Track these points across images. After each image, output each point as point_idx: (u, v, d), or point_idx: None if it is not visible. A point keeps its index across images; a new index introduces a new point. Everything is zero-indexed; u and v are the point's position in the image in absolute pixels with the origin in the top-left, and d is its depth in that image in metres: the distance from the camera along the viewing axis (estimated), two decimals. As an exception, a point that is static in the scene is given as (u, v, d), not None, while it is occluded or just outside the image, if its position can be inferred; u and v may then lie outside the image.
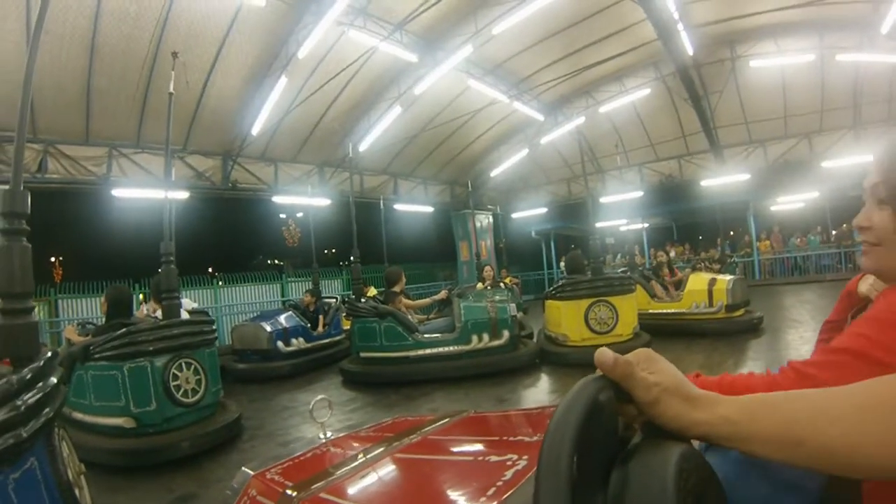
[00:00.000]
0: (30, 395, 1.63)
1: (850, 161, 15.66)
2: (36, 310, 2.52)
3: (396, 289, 7.80)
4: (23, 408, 1.54)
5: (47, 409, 1.67)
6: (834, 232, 18.47)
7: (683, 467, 0.53)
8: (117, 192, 11.74)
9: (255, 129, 12.48)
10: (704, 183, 18.03)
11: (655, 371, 0.65)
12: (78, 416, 4.65)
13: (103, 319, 5.35)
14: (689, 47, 12.38)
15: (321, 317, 9.68)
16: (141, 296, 11.47)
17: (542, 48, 14.01)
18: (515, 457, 1.19)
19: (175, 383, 4.67)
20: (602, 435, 0.57)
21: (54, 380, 1.84)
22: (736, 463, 0.86)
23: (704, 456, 0.82)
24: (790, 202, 18.86)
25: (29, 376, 1.69)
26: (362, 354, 7.46)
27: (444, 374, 6.92)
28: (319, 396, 1.77)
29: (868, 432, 0.51)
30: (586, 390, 0.57)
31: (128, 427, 4.46)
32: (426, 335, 7.28)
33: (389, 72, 13.51)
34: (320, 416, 1.74)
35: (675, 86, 15.32)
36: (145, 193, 11.77)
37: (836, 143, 16.55)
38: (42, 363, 1.81)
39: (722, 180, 17.49)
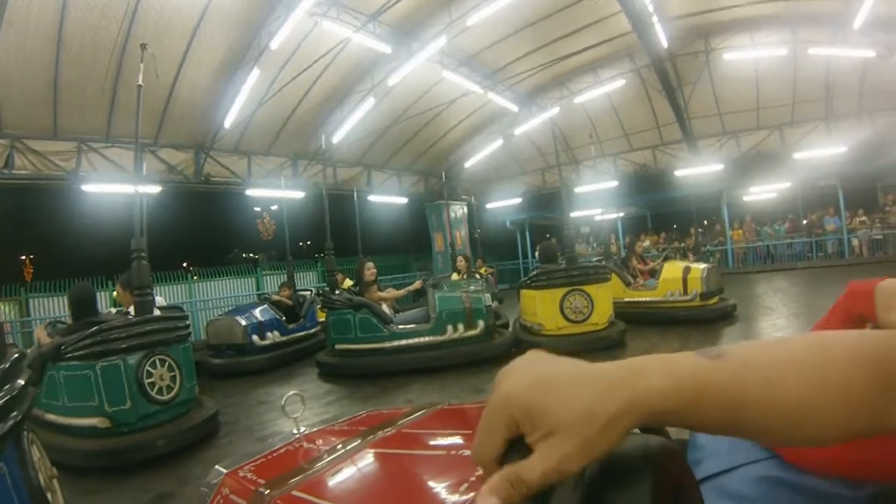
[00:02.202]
0: (-4, 397, 1.60)
1: (821, 152, 16.06)
2: (5, 309, 2.47)
3: (368, 280, 7.76)
4: (-11, 411, 1.52)
5: (15, 413, 1.64)
6: (805, 221, 18.82)
7: (659, 462, 0.50)
8: (87, 188, 11.53)
9: (228, 122, 12.34)
10: (678, 173, 18.24)
11: (547, 428, 0.44)
12: (51, 417, 4.57)
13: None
14: (663, 39, 12.49)
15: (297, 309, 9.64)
16: (114, 293, 11.31)
17: (516, 39, 14.02)
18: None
19: (149, 381, 4.60)
20: None
21: (22, 382, 1.80)
22: (758, 482, 0.83)
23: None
24: (763, 192, 19.19)
25: (-5, 378, 1.66)
26: (337, 346, 7.44)
27: (420, 364, 6.92)
28: (291, 392, 1.77)
29: (816, 414, 0.46)
30: None
31: (102, 427, 4.39)
32: (401, 326, 7.27)
33: (363, 63, 13.43)
34: (293, 412, 1.73)
35: (650, 77, 15.47)
36: (116, 188, 11.53)
37: (808, 135, 16.89)
38: (8, 365, 1.78)
39: (696, 170, 17.73)
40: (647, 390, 0.45)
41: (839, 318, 0.99)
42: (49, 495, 1.76)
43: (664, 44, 12.69)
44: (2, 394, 1.64)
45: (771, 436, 0.48)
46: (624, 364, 0.48)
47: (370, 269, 7.85)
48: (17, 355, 1.96)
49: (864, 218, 16.90)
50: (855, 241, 16.90)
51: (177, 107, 11.90)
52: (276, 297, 9.66)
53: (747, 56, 14.52)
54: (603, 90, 16.32)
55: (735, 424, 0.47)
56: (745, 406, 0.46)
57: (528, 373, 0.48)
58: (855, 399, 0.46)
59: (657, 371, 0.46)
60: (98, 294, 6.40)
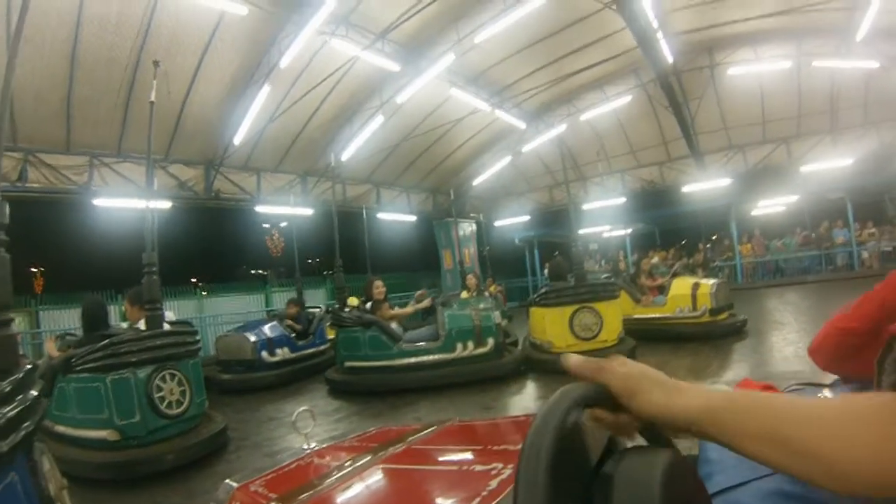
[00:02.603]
0: (9, 408, 1.61)
1: (827, 165, 15.98)
2: (15, 321, 2.48)
3: (376, 298, 7.76)
4: (1, 422, 1.52)
5: (27, 423, 1.65)
6: (813, 235, 18.71)
7: (670, 475, 0.51)
8: (98, 202, 11.59)
9: (238, 139, 12.41)
10: (686, 188, 18.18)
11: (627, 364, 0.64)
12: (61, 429, 4.59)
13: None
14: (668, 55, 12.50)
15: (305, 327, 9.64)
16: (124, 306, 11.35)
17: (523, 57, 14.08)
18: (500, 465, 1.19)
19: (159, 395, 4.61)
20: (580, 446, 0.56)
21: (34, 393, 1.81)
22: (770, 496, 0.83)
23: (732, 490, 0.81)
24: (770, 206, 19.15)
25: (7, 389, 1.67)
26: (347, 364, 7.43)
27: (429, 382, 6.90)
28: (302, 408, 1.77)
29: (857, 439, 0.49)
30: (559, 405, 0.54)
31: (112, 440, 4.39)
32: (410, 343, 7.26)
33: (372, 81, 13.50)
34: (303, 427, 1.74)
35: (656, 93, 15.46)
36: (127, 203, 11.60)
37: (814, 148, 16.80)
38: (21, 376, 1.79)
39: (703, 186, 17.65)
40: (699, 389, 0.60)
41: (874, 307, 1.03)
42: (59, 506, 1.76)
43: (669, 59, 12.71)
44: (14, 404, 1.65)
45: (815, 463, 0.50)
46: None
47: (378, 288, 7.83)
48: (29, 366, 1.97)
49: (873, 230, 16.80)
50: (865, 254, 16.78)
51: (188, 123, 11.99)
52: (288, 321, 9.65)
53: (752, 70, 14.49)
54: (609, 107, 16.34)
55: (777, 441, 0.52)
56: (781, 421, 0.52)
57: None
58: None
59: (711, 388, 0.61)
60: (108, 307, 6.41)
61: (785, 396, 0.57)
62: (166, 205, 12.35)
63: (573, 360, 0.65)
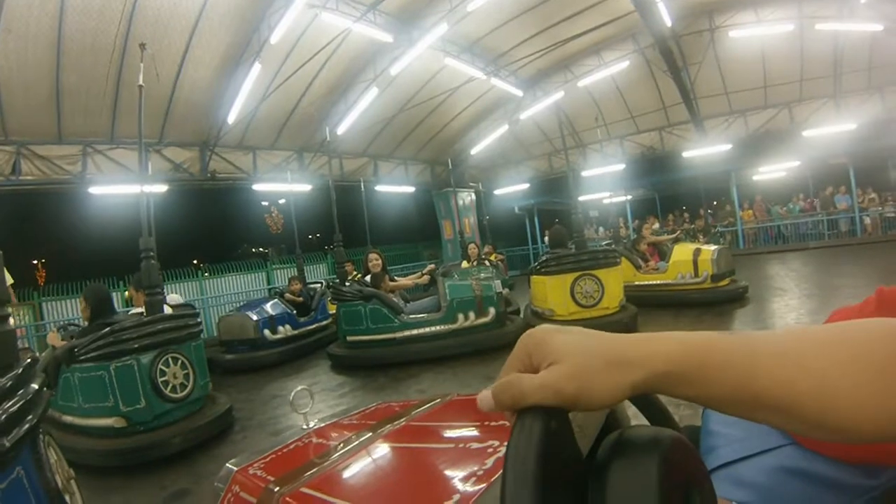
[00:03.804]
0: (10, 403, 1.61)
1: (830, 130, 15.80)
2: (15, 315, 2.49)
3: (372, 270, 7.73)
4: (3, 417, 1.53)
5: (30, 416, 1.65)
6: (816, 200, 18.61)
7: (669, 458, 0.48)
8: (94, 190, 11.59)
9: (232, 118, 12.33)
10: (686, 154, 18.06)
11: (553, 357, 0.49)
12: (68, 419, 4.62)
13: (84, 322, 5.25)
14: (667, 19, 12.30)
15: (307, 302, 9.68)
16: (126, 294, 11.41)
17: (518, 23, 13.90)
18: (497, 443, 1.20)
19: (163, 379, 4.64)
20: (567, 441, 0.53)
21: (35, 386, 1.82)
22: (774, 472, 0.83)
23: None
24: (772, 171, 19.02)
25: (8, 385, 1.67)
26: (349, 338, 7.45)
27: (432, 354, 6.93)
28: (299, 387, 1.78)
29: (851, 388, 0.43)
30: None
31: (118, 427, 4.44)
32: (412, 315, 7.27)
33: (364, 53, 13.37)
34: (302, 407, 1.74)
35: (654, 58, 15.28)
36: (123, 189, 11.60)
37: (817, 112, 16.60)
38: (21, 370, 1.79)
39: (703, 151, 17.53)
40: (653, 351, 0.48)
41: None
42: (67, 497, 1.78)
43: (668, 23, 12.51)
44: (16, 399, 1.65)
45: (793, 416, 0.45)
46: (641, 334, 0.51)
47: (374, 261, 7.77)
48: (28, 360, 1.97)
49: (873, 195, 16.69)
50: (867, 220, 16.71)
51: (179, 105, 11.90)
52: (288, 296, 9.67)
53: (753, 33, 14.26)
54: (607, 72, 16.12)
55: (746, 398, 0.46)
56: (754, 375, 0.45)
57: (547, 325, 0.53)
58: (891, 374, 0.42)
59: (667, 337, 0.49)
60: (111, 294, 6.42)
61: (754, 336, 0.48)
62: (162, 188, 12.32)
63: (483, 403, 0.53)
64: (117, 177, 11.73)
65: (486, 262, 10.44)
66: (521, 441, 0.45)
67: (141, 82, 6.00)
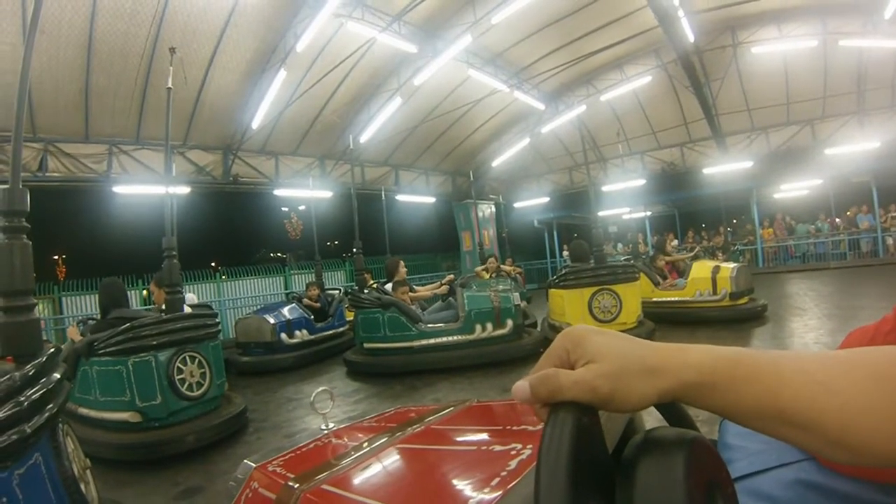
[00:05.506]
0: (33, 391, 1.63)
1: (853, 148, 15.59)
2: (39, 307, 2.53)
3: (401, 278, 7.79)
4: (26, 404, 1.55)
5: (51, 405, 1.67)
6: (838, 220, 18.36)
7: (694, 457, 0.49)
8: (118, 189, 11.76)
9: (255, 123, 12.47)
10: (707, 170, 17.95)
11: (590, 356, 0.51)
12: (84, 411, 4.67)
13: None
14: (690, 34, 12.29)
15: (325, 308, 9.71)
16: (145, 292, 11.54)
17: (541, 37, 13.94)
18: (519, 446, 1.18)
19: (180, 377, 4.67)
20: (596, 439, 0.53)
21: (57, 376, 1.84)
22: (792, 485, 0.83)
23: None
24: (793, 189, 18.79)
25: (31, 373, 1.69)
26: (366, 345, 7.47)
27: (448, 363, 6.91)
28: (321, 388, 1.77)
29: (873, 409, 0.43)
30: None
31: (133, 421, 4.47)
32: (430, 325, 7.27)
33: (389, 63, 13.47)
34: (322, 408, 1.74)
35: (677, 73, 15.26)
36: (146, 189, 11.79)
37: (840, 130, 16.40)
38: (44, 359, 1.82)
39: (724, 168, 17.41)
40: (685, 361, 0.50)
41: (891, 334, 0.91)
42: (82, 485, 1.79)
43: (691, 38, 12.49)
44: (38, 387, 1.67)
45: (816, 432, 0.46)
46: (673, 344, 0.52)
47: (403, 268, 7.86)
48: (52, 350, 2.00)
49: (895, 214, 16.43)
50: (889, 240, 16.41)
51: (205, 109, 12.06)
52: (306, 301, 9.71)
53: (776, 49, 14.16)
54: (629, 87, 16.11)
55: (771, 412, 0.47)
56: (780, 390, 0.46)
57: (585, 325, 0.56)
58: None
59: (698, 349, 0.51)
60: (128, 293, 6.49)
61: (780, 355, 0.49)
62: (185, 190, 12.47)
63: (520, 392, 0.54)
64: (141, 177, 11.90)
65: (504, 275, 10.43)
66: (556, 433, 0.47)
67: (170, 85, 6.10)
